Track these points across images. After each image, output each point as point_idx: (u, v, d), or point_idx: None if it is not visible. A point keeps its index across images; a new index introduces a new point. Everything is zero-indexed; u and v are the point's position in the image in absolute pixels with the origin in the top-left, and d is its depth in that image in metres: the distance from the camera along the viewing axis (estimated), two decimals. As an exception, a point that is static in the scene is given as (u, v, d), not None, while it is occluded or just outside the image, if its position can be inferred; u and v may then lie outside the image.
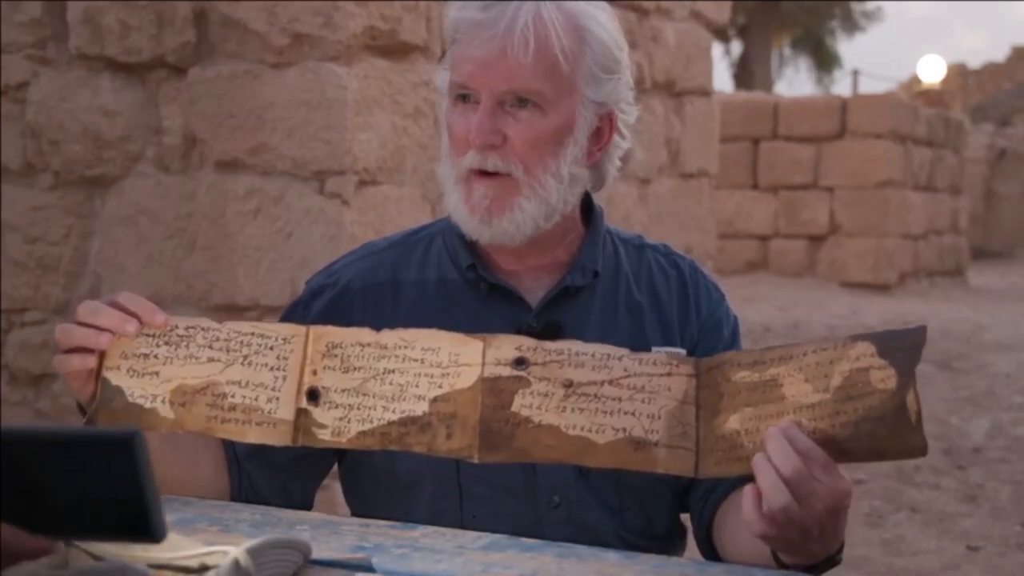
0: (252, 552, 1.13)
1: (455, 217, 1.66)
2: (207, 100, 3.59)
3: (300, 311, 1.73)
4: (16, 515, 0.99)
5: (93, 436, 1.00)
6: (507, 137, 1.60)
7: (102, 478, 0.97)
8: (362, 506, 1.70)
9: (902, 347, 1.35)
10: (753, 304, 10.39)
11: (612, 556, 1.41)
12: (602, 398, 1.45)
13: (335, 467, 1.76)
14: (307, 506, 1.71)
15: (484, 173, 1.62)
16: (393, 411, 1.47)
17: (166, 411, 1.46)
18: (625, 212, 4.95)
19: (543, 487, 1.63)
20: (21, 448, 1.00)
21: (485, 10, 1.60)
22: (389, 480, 1.66)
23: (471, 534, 1.48)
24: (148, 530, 0.99)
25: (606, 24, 1.66)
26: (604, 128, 1.69)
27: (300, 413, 1.47)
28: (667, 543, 1.70)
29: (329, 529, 1.47)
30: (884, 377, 1.34)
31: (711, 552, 1.66)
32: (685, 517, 1.75)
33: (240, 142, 3.55)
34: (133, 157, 3.72)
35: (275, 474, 1.68)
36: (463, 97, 1.63)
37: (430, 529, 1.50)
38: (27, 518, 0.99)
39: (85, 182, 3.78)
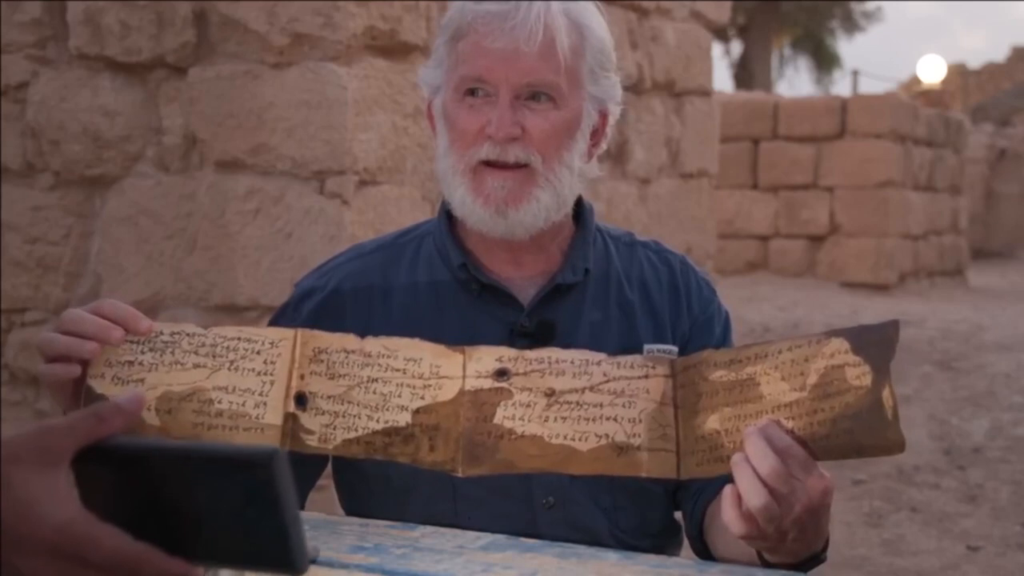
0: None
1: (462, 209, 1.65)
2: (207, 100, 3.59)
3: (290, 313, 1.72)
4: (152, 534, 0.93)
5: (227, 453, 0.93)
6: (525, 129, 1.61)
7: (239, 500, 0.91)
8: (356, 509, 1.70)
9: (875, 342, 1.35)
10: (753, 304, 10.39)
11: (612, 556, 1.41)
12: (584, 405, 1.45)
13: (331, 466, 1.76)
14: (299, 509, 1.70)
15: (498, 165, 1.62)
16: (377, 420, 1.46)
17: (152, 418, 1.44)
18: (625, 212, 4.95)
19: (537, 488, 1.63)
20: (156, 463, 0.94)
21: (499, 5, 1.60)
22: (382, 483, 1.66)
23: (471, 534, 1.48)
24: (288, 560, 0.91)
25: (602, 23, 1.68)
26: (599, 126, 1.70)
27: (288, 418, 1.46)
28: (662, 541, 1.71)
29: (329, 529, 1.47)
30: (859, 374, 1.34)
31: (703, 550, 1.67)
32: (680, 515, 1.75)
33: (240, 142, 3.55)
34: (133, 157, 3.72)
35: None
36: (472, 91, 1.63)
37: (430, 529, 1.50)
38: (163, 538, 0.93)
39: (85, 182, 3.78)
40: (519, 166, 1.62)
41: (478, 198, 1.62)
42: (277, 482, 0.90)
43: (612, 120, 1.72)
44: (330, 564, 1.34)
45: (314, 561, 1.33)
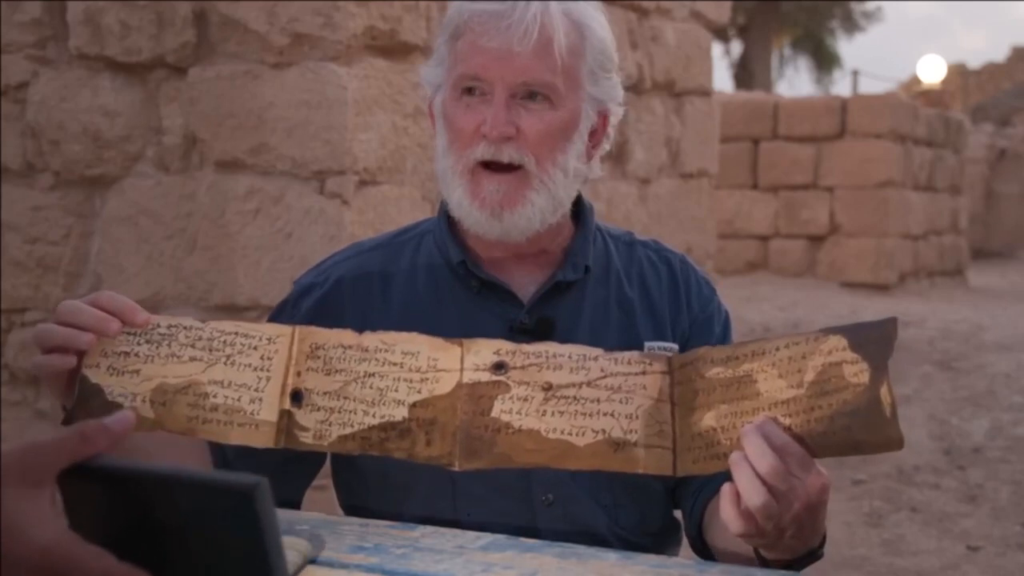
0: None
1: (459, 211, 1.65)
2: (207, 100, 3.59)
3: (289, 310, 1.72)
4: (137, 556, 0.93)
5: (211, 481, 0.94)
6: (520, 129, 1.61)
7: (222, 526, 0.92)
8: (355, 506, 1.70)
9: (874, 339, 1.35)
10: (753, 304, 10.39)
11: (612, 556, 1.41)
12: (581, 400, 1.45)
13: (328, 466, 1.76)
14: (295, 507, 1.70)
15: (493, 167, 1.62)
16: (373, 415, 1.45)
17: (146, 410, 1.43)
18: (625, 212, 4.95)
19: (537, 485, 1.63)
20: (141, 486, 0.94)
21: (496, 4, 1.60)
22: (380, 480, 1.65)
23: (471, 534, 1.48)
24: None
25: (603, 24, 1.67)
26: (599, 126, 1.70)
27: (283, 415, 1.45)
28: (661, 538, 1.71)
29: (329, 529, 1.47)
30: (857, 371, 1.34)
31: (702, 548, 1.67)
32: (679, 513, 1.76)
33: (240, 142, 3.55)
34: (133, 157, 3.72)
35: (264, 475, 1.67)
36: (469, 90, 1.63)
37: (430, 529, 1.50)
38: (148, 561, 0.93)
39: (85, 182, 3.78)
40: (513, 168, 1.62)
41: (474, 201, 1.63)
42: (260, 510, 0.91)
43: (614, 121, 1.72)
44: (330, 564, 1.34)
45: (314, 561, 1.33)
